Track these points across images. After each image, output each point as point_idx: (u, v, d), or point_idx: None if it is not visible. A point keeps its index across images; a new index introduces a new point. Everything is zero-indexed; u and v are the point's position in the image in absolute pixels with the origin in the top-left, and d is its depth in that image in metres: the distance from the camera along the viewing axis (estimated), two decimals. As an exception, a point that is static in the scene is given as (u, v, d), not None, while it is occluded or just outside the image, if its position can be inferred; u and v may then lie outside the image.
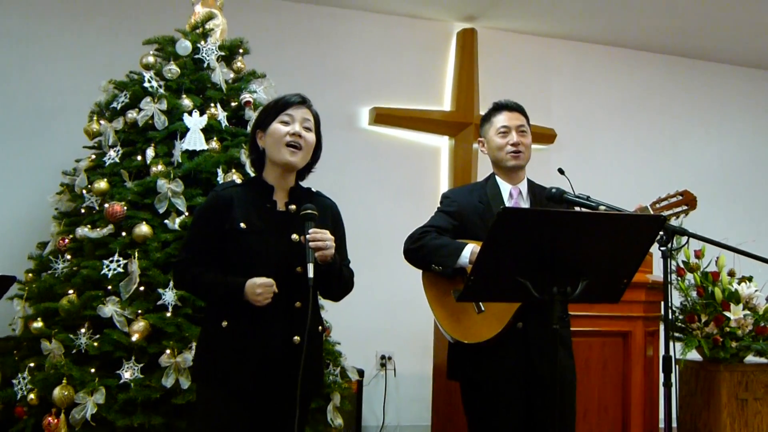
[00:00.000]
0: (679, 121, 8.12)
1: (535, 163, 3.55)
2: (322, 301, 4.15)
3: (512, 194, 3.46)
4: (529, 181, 3.53)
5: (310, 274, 2.74)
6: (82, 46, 6.20)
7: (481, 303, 3.22)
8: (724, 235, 3.46)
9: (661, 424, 5.52)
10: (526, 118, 3.54)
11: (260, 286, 2.77)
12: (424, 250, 3.34)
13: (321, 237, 2.81)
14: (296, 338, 2.86)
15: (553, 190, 3.39)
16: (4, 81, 6.01)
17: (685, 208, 3.44)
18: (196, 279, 2.91)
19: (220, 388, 2.87)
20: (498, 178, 3.50)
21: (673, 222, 3.39)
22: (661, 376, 3.26)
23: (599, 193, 3.49)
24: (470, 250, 3.21)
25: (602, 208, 3.26)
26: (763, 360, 5.53)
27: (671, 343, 3.31)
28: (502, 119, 3.51)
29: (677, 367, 5.34)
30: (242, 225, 2.86)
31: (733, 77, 8.40)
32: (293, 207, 2.97)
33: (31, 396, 4.19)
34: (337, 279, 2.98)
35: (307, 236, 2.80)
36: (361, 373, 5.97)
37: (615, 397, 5.12)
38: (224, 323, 2.86)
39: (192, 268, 2.93)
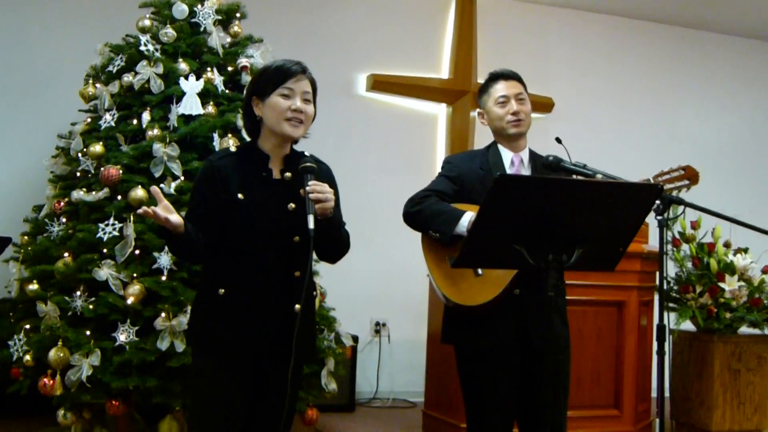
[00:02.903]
0: (679, 92, 8.09)
1: (533, 132, 3.53)
2: (316, 266, 4.16)
3: (513, 162, 3.45)
4: (530, 150, 3.52)
5: (311, 225, 2.73)
6: (78, 9, 6.16)
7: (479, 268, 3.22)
8: (722, 208, 3.45)
9: (654, 393, 5.57)
10: (523, 86, 3.52)
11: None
12: (424, 214, 3.34)
13: (321, 189, 2.79)
14: (297, 307, 2.85)
15: (550, 158, 3.37)
16: (-1, 44, 5.97)
17: (686, 182, 3.42)
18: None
19: (215, 355, 2.87)
20: (500, 146, 3.48)
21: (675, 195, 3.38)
22: (655, 345, 3.27)
23: (597, 163, 3.47)
24: (468, 218, 3.20)
25: (599, 176, 3.25)
26: (756, 331, 5.56)
27: (665, 313, 3.32)
28: (499, 89, 3.48)
29: (671, 337, 5.37)
30: (240, 196, 2.85)
31: (735, 49, 8.37)
32: (289, 174, 2.95)
33: (27, 357, 4.21)
34: (336, 237, 2.97)
35: (307, 188, 2.79)
36: (355, 339, 5.99)
37: (608, 366, 5.16)
38: (221, 291, 2.86)
39: None
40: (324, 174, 2.99)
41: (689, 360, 5.67)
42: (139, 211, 2.67)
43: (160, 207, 2.70)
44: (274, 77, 2.90)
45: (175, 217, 2.70)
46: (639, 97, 7.93)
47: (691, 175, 3.41)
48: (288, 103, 2.87)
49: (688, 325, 5.64)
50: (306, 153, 3.04)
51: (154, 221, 2.70)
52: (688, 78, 8.16)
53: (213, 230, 2.87)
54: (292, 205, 2.89)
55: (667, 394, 4.95)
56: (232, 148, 3.04)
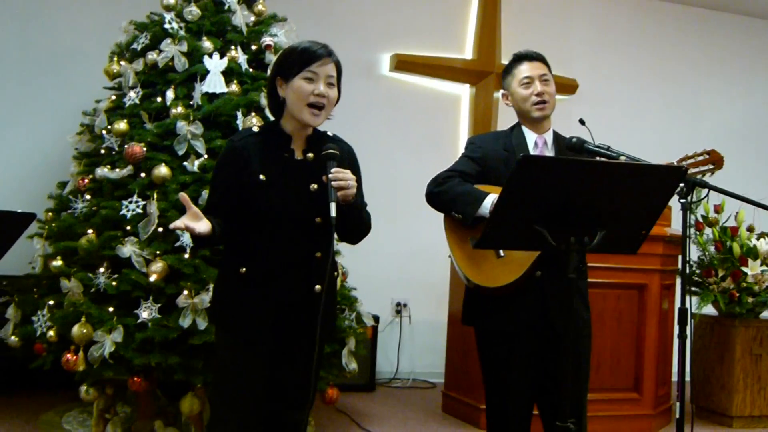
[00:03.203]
0: (702, 74, 8.02)
1: (556, 113, 3.50)
2: (338, 246, 4.17)
3: (537, 144, 3.43)
4: (554, 132, 3.50)
5: (333, 214, 2.73)
6: (103, -14, 6.17)
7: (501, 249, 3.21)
8: (745, 191, 3.42)
9: (674, 378, 5.56)
10: (548, 67, 3.50)
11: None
12: (447, 195, 3.32)
13: (343, 176, 2.79)
14: (318, 287, 2.87)
15: (574, 140, 3.35)
16: (24, 22, 6.00)
17: (711, 167, 3.40)
18: None
19: (238, 334, 2.89)
20: (524, 128, 3.47)
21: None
22: (676, 328, 3.25)
23: (620, 145, 3.45)
24: (491, 200, 3.19)
25: (623, 158, 3.22)
26: (778, 316, 5.54)
27: (687, 297, 3.31)
28: (524, 70, 3.46)
29: (692, 321, 5.35)
30: (261, 177, 2.85)
31: (761, 31, 8.27)
32: (311, 155, 2.95)
33: (51, 333, 4.24)
34: (358, 220, 2.97)
35: (330, 175, 2.79)
36: (376, 319, 6.01)
37: (629, 350, 5.15)
38: (242, 269, 2.87)
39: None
40: (346, 155, 2.99)
41: (710, 344, 5.65)
42: (171, 226, 2.70)
43: (188, 216, 2.71)
44: (299, 59, 2.89)
45: (204, 225, 2.71)
46: (663, 79, 7.86)
47: (715, 160, 3.38)
48: (311, 87, 2.86)
49: (709, 310, 5.63)
50: (329, 133, 3.04)
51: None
52: (712, 60, 8.08)
53: (234, 211, 2.88)
54: (314, 186, 2.89)
55: (687, 378, 4.95)
56: (255, 128, 3.04)
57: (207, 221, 2.72)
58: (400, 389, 6.45)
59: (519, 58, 3.50)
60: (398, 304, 6.85)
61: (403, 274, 6.76)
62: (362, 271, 5.29)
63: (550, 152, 3.44)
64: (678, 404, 3.30)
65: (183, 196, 2.73)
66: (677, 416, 3.28)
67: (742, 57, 8.19)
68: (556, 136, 3.48)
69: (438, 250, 4.75)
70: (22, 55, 5.99)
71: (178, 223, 2.67)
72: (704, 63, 8.04)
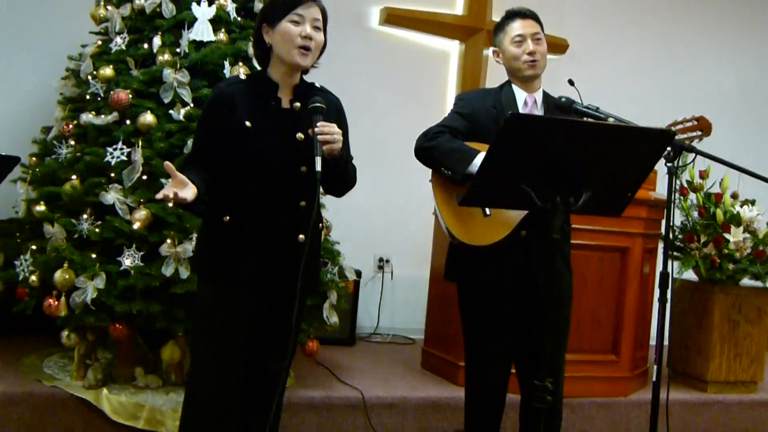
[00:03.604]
0: (695, 38, 7.96)
1: (546, 73, 3.49)
2: (323, 200, 4.17)
3: (527, 102, 3.42)
4: (544, 91, 3.49)
5: (318, 168, 2.73)
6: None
7: (487, 208, 3.21)
8: (732, 158, 3.42)
9: (653, 341, 5.61)
10: (540, 25, 3.48)
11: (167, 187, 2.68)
12: (437, 151, 3.31)
13: (329, 130, 2.79)
14: (301, 237, 2.87)
15: (563, 99, 3.35)
16: (10, -40, 5.90)
17: (699, 133, 3.41)
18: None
19: (220, 283, 2.89)
20: (514, 86, 3.45)
21: (686, 144, 3.36)
22: (657, 291, 3.28)
23: (609, 108, 3.44)
24: (482, 157, 3.19)
25: (611, 120, 3.23)
26: (758, 284, 5.58)
27: (669, 261, 3.33)
28: (516, 27, 3.44)
29: (673, 285, 5.38)
30: (247, 123, 2.84)
31: (754, -4, 8.23)
32: (298, 104, 2.94)
33: (33, 278, 4.23)
34: (343, 174, 2.97)
35: (316, 129, 2.78)
36: (358, 273, 6.02)
37: (609, 312, 5.18)
38: (226, 218, 2.87)
39: (187, 165, 2.93)
40: (333, 107, 2.98)
41: (689, 309, 5.69)
42: (158, 196, 2.64)
43: (174, 184, 2.66)
44: (284, 4, 2.91)
45: (190, 192, 2.67)
46: (655, 41, 7.81)
47: (704, 126, 3.40)
48: (298, 29, 2.86)
49: (690, 275, 5.66)
50: (317, 84, 3.03)
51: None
52: (705, 23, 7.98)
53: (219, 158, 2.87)
54: (300, 136, 2.88)
55: (666, 342, 4.99)
56: (242, 76, 3.03)
57: (193, 186, 2.69)
58: (380, 344, 6.48)
59: (512, 15, 3.48)
60: (381, 260, 6.85)
61: (386, 229, 6.76)
62: (345, 224, 5.29)
63: (539, 111, 3.43)
64: (655, 368, 3.34)
65: (168, 165, 2.70)
66: (653, 379, 3.32)
67: (737, 21, 8.13)
68: (546, 96, 3.47)
69: (422, 206, 4.75)
70: (7, -3, 5.90)
71: (166, 191, 2.62)
72: (697, 26, 7.97)
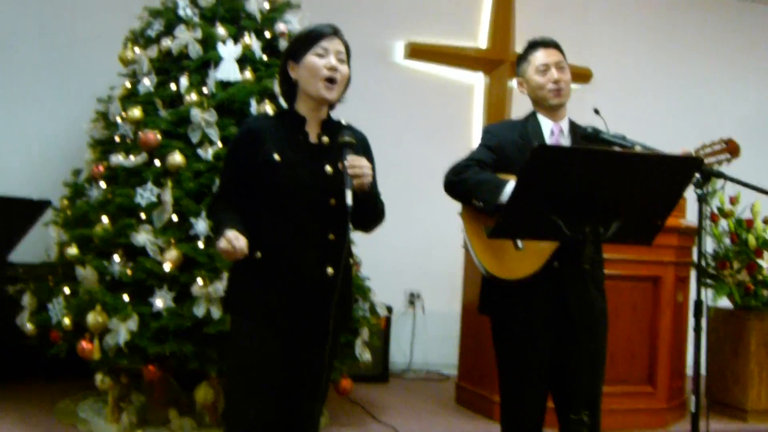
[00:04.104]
0: (720, 64, 7.94)
1: (571, 102, 3.48)
2: (352, 235, 4.16)
3: (553, 131, 3.40)
4: (570, 119, 3.48)
5: (349, 201, 2.73)
6: (118, -27, 6.17)
7: (519, 241, 3.19)
8: (761, 182, 3.39)
9: (689, 371, 5.53)
10: (563, 54, 3.48)
11: (224, 240, 2.71)
12: (467, 183, 3.30)
13: (360, 164, 2.79)
14: (330, 270, 2.87)
15: (589, 129, 3.33)
16: (39, 7, 6.01)
17: (728, 156, 3.37)
18: (214, 215, 2.93)
19: (253, 320, 2.89)
20: (539, 116, 3.44)
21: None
22: (691, 320, 3.23)
23: (636, 135, 3.42)
24: (513, 186, 3.18)
25: (638, 148, 3.20)
26: (794, 309, 5.50)
27: (702, 289, 3.28)
28: (539, 57, 3.44)
29: (707, 313, 5.32)
30: (276, 157, 2.85)
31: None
32: (326, 139, 2.95)
33: (66, 321, 4.26)
34: (372, 208, 2.97)
35: (346, 163, 2.79)
36: (389, 309, 6.00)
37: (643, 342, 5.12)
38: (258, 254, 2.87)
39: (218, 203, 2.94)
40: (360, 142, 2.99)
41: (725, 337, 5.62)
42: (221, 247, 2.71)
43: (233, 244, 2.71)
44: (308, 39, 2.94)
45: (244, 243, 2.73)
46: (679, 68, 7.80)
47: (732, 149, 3.35)
48: (323, 61, 2.89)
49: (724, 302, 5.59)
50: (343, 121, 3.04)
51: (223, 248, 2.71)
52: (732, 50, 7.99)
53: (247, 194, 2.88)
54: (328, 169, 2.89)
55: (702, 371, 4.92)
56: (270, 112, 3.05)
57: (244, 239, 2.73)
58: (414, 380, 6.44)
59: (534, 45, 3.48)
60: (411, 295, 6.84)
61: (416, 264, 6.74)
62: (375, 260, 5.28)
63: (566, 140, 3.42)
64: (693, 398, 3.29)
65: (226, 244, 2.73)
66: (692, 410, 3.26)
67: (760, 46, 8.11)
68: (572, 125, 3.46)
69: (451, 239, 4.74)
70: (37, 42, 6.00)
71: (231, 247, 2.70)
72: (721, 52, 7.96)
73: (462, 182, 3.32)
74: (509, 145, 3.38)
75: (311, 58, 2.91)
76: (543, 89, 3.39)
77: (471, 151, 3.46)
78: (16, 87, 5.94)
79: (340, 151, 2.84)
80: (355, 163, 2.79)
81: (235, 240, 2.70)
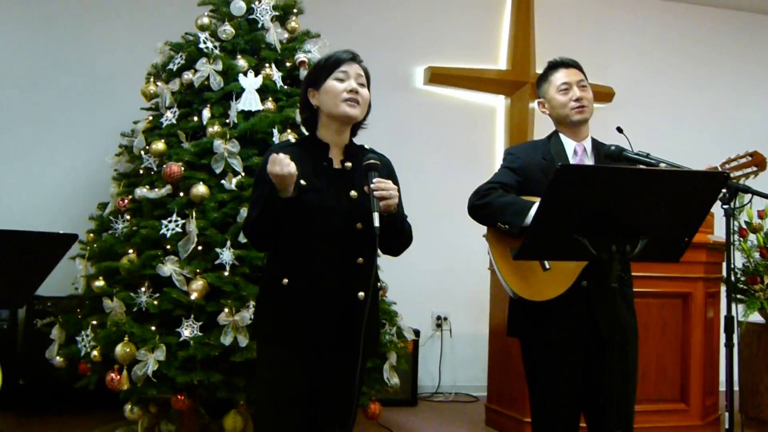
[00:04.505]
0: (741, 77, 7.92)
1: (593, 122, 3.47)
2: (378, 260, 4.17)
3: (576, 151, 3.40)
4: (593, 138, 3.46)
5: (376, 223, 2.72)
6: (138, 8, 6.25)
7: (546, 261, 3.18)
8: (790, 197, 3.36)
9: (721, 387, 5.46)
10: (584, 73, 3.48)
11: (272, 162, 2.70)
12: (491, 207, 3.30)
13: (386, 186, 2.79)
14: (361, 294, 2.86)
15: (612, 148, 3.32)
16: (61, 44, 6.10)
17: (754, 169, 3.34)
18: (255, 224, 2.89)
19: (281, 346, 2.88)
20: (562, 135, 3.44)
21: (742, 183, 3.30)
22: (722, 337, 3.20)
23: (660, 152, 3.41)
24: (537, 208, 3.17)
25: (662, 165, 3.18)
26: (826, 323, 5.43)
27: (733, 305, 3.25)
28: (560, 76, 3.44)
29: (739, 329, 5.26)
30: (302, 182, 2.86)
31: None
32: (349, 164, 2.96)
33: (94, 353, 4.27)
34: (399, 231, 2.97)
35: (372, 186, 2.79)
36: (416, 333, 5.99)
37: (674, 359, 5.08)
38: (285, 281, 2.87)
39: (251, 228, 2.94)
40: (385, 167, 2.99)
41: (758, 352, 5.55)
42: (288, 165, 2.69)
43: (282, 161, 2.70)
44: (327, 65, 2.97)
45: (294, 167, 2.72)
46: (701, 83, 7.78)
47: (758, 162, 3.33)
48: (343, 85, 2.91)
49: (756, 317, 5.53)
50: (366, 146, 3.05)
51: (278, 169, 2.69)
52: (750, 62, 7.98)
53: (277, 218, 2.88)
54: (353, 193, 2.89)
55: (735, 387, 4.86)
56: (293, 140, 3.06)
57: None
58: (443, 403, 6.41)
59: (555, 65, 3.48)
60: (438, 318, 6.82)
61: (442, 287, 6.73)
62: (401, 285, 5.27)
63: (589, 159, 3.40)
64: (727, 414, 3.25)
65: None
66: (726, 427, 3.22)
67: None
68: (595, 143, 3.45)
69: (477, 262, 4.73)
70: (60, 78, 6.08)
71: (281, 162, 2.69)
72: (741, 65, 7.94)
73: (486, 205, 3.31)
74: (533, 166, 3.38)
75: (331, 83, 2.93)
76: (565, 107, 3.38)
77: (494, 174, 3.46)
78: (41, 123, 6.01)
79: (365, 174, 2.85)
80: (381, 185, 2.79)
81: (284, 158, 2.69)
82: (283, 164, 2.69)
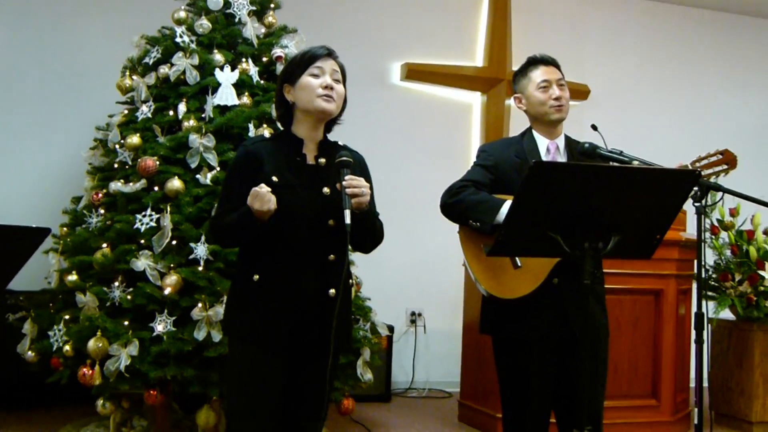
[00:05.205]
0: (716, 78, 7.99)
1: (569, 119, 3.49)
2: (352, 256, 4.17)
3: (549, 149, 3.42)
4: (566, 136, 3.49)
5: (348, 221, 2.73)
6: (115, 1, 6.21)
7: (518, 259, 3.20)
8: (761, 194, 3.39)
9: (692, 384, 5.52)
10: (561, 73, 3.50)
11: (253, 196, 2.71)
12: (462, 205, 3.31)
13: (357, 183, 2.80)
14: (332, 291, 2.87)
15: (586, 145, 3.35)
16: (37, 37, 6.04)
17: (725, 167, 3.38)
18: (221, 223, 2.91)
19: (252, 342, 2.89)
20: (535, 133, 3.45)
21: (713, 181, 3.33)
22: (693, 333, 3.23)
23: (633, 150, 3.43)
24: (508, 206, 3.18)
25: (635, 163, 3.21)
26: (797, 320, 5.49)
27: (704, 302, 3.28)
28: (540, 74, 3.45)
29: (710, 326, 5.31)
30: (274, 179, 2.86)
31: (773, 33, 8.24)
32: (323, 160, 2.96)
33: (67, 348, 4.26)
34: (371, 228, 2.98)
35: (344, 183, 2.80)
36: (391, 329, 6.00)
37: (646, 355, 5.12)
38: (256, 277, 2.87)
39: (220, 216, 2.93)
40: (357, 162, 3.00)
41: (729, 349, 5.61)
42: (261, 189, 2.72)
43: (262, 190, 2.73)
44: (302, 61, 2.97)
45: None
46: (675, 82, 7.84)
47: (729, 160, 3.37)
48: (319, 81, 2.91)
49: (727, 314, 5.59)
50: (339, 142, 3.05)
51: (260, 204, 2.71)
52: (725, 62, 8.05)
53: (250, 235, 2.88)
54: (326, 190, 2.90)
55: (705, 384, 4.90)
56: (267, 135, 3.06)
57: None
58: (416, 399, 6.43)
59: (535, 62, 3.49)
60: (413, 314, 6.83)
61: (416, 283, 6.75)
62: (376, 281, 5.28)
63: (562, 157, 3.42)
64: (696, 410, 3.28)
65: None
66: (696, 422, 3.25)
67: (756, 59, 8.16)
68: (568, 141, 3.47)
69: (451, 258, 4.73)
70: (36, 71, 6.03)
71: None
72: (717, 66, 8.01)
73: (457, 204, 3.33)
74: (506, 163, 3.39)
75: (307, 79, 2.93)
76: (544, 105, 3.40)
77: (467, 172, 3.47)
78: (16, 116, 5.96)
79: (337, 171, 2.85)
80: (352, 182, 2.80)
81: (262, 188, 2.71)
82: (263, 200, 2.71)
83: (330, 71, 2.94)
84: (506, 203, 3.18)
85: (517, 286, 3.20)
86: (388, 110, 6.87)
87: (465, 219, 3.31)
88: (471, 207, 3.28)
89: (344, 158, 2.86)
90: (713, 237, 5.64)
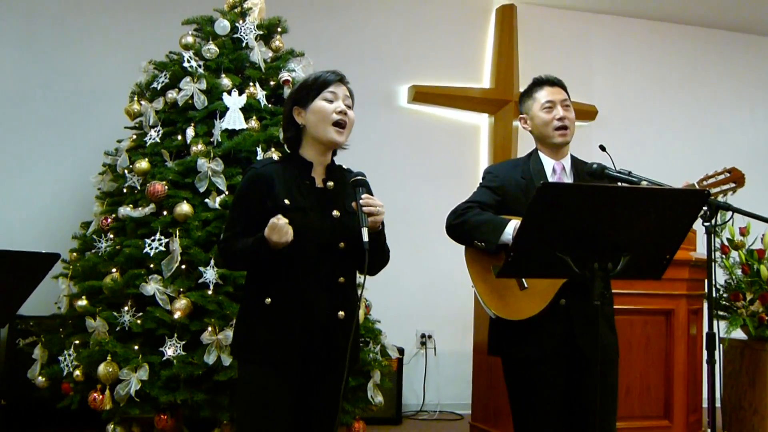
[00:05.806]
0: (723, 97, 7.98)
1: (576, 140, 3.49)
2: (361, 278, 4.17)
3: (555, 170, 3.42)
4: (572, 156, 3.49)
5: (365, 238, 2.74)
6: (122, 27, 6.25)
7: (524, 279, 3.19)
8: (770, 213, 3.39)
9: (705, 404, 5.47)
10: (567, 93, 3.50)
11: (272, 228, 2.72)
12: (467, 225, 3.32)
13: (374, 202, 2.81)
14: (341, 313, 2.87)
15: (594, 166, 3.35)
16: (46, 63, 6.08)
17: (732, 185, 3.37)
18: (230, 248, 2.92)
19: (262, 365, 2.88)
20: (541, 154, 3.46)
21: (721, 199, 3.32)
22: (705, 353, 3.21)
23: (642, 170, 3.43)
24: (513, 226, 3.18)
25: (644, 183, 3.21)
26: (809, 339, 5.45)
27: (715, 321, 3.27)
28: (545, 94, 3.46)
29: (721, 345, 5.27)
30: (286, 201, 2.86)
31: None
32: (331, 183, 2.97)
33: (77, 372, 4.26)
34: (381, 249, 2.98)
35: (360, 201, 2.81)
36: (401, 351, 5.98)
37: (657, 376, 5.08)
38: (268, 300, 2.87)
39: (229, 240, 2.94)
40: (366, 185, 3.01)
41: (741, 369, 5.57)
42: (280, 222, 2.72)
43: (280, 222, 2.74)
44: (315, 85, 2.98)
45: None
46: (683, 102, 7.84)
47: (737, 178, 3.36)
48: (332, 106, 2.93)
49: (739, 334, 5.55)
50: (344, 166, 3.07)
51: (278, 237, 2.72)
52: (732, 81, 8.04)
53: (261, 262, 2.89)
54: (336, 213, 2.90)
55: (718, 404, 4.87)
56: (275, 157, 3.07)
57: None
58: (427, 421, 6.40)
59: (540, 83, 3.50)
60: (423, 336, 6.81)
61: (426, 305, 6.73)
62: (385, 302, 5.27)
63: (568, 178, 3.42)
64: (709, 431, 3.25)
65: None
66: (709, 443, 3.23)
67: (762, 77, 8.15)
68: (574, 161, 3.47)
69: (461, 279, 4.71)
70: (44, 96, 6.06)
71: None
72: (723, 84, 8.01)
73: (462, 224, 3.33)
74: (512, 185, 3.40)
75: (320, 103, 2.94)
76: (548, 126, 3.40)
77: (472, 193, 3.47)
78: (25, 142, 5.99)
79: (353, 189, 2.87)
80: (369, 201, 2.81)
81: (280, 220, 2.72)
82: (281, 233, 2.72)
83: (343, 96, 2.96)
84: (511, 222, 3.18)
85: (523, 307, 3.19)
86: (396, 132, 6.89)
87: (470, 239, 3.32)
88: (476, 227, 3.29)
89: (359, 177, 2.88)
90: (724, 256, 5.61)
